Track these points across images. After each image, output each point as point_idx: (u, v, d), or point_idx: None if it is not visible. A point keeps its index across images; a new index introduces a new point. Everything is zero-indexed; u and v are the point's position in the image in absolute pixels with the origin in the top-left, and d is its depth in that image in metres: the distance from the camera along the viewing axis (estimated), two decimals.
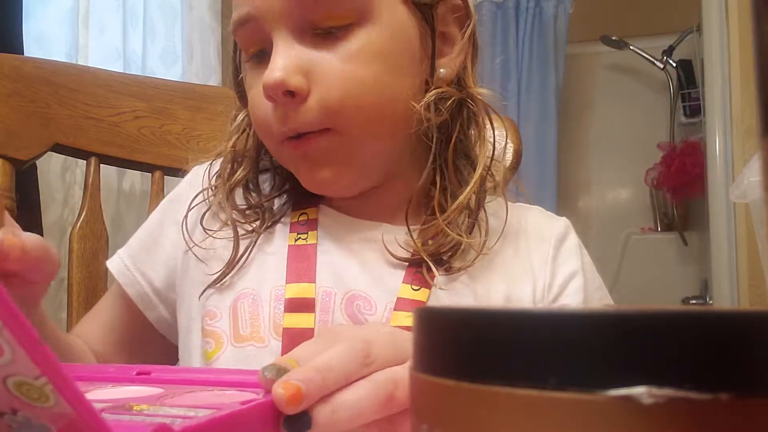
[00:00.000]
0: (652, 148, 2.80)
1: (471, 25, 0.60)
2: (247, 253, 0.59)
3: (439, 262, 0.56)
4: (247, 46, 0.57)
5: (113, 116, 0.83)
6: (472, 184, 0.57)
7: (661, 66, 2.81)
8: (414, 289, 0.56)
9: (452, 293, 0.57)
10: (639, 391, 0.15)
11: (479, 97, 0.60)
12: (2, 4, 1.10)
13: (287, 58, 0.52)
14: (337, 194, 0.59)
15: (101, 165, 0.82)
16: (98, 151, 0.82)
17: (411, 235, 0.57)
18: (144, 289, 0.64)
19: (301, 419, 0.30)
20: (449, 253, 0.57)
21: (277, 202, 0.62)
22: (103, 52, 1.41)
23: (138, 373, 0.37)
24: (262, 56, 0.56)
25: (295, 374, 0.31)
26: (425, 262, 0.56)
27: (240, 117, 0.64)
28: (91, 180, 0.81)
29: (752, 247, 1.73)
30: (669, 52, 2.79)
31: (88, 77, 0.84)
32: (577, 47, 2.82)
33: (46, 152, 0.79)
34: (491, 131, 0.61)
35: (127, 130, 0.84)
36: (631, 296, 2.62)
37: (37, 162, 0.85)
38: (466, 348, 0.18)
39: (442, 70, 0.58)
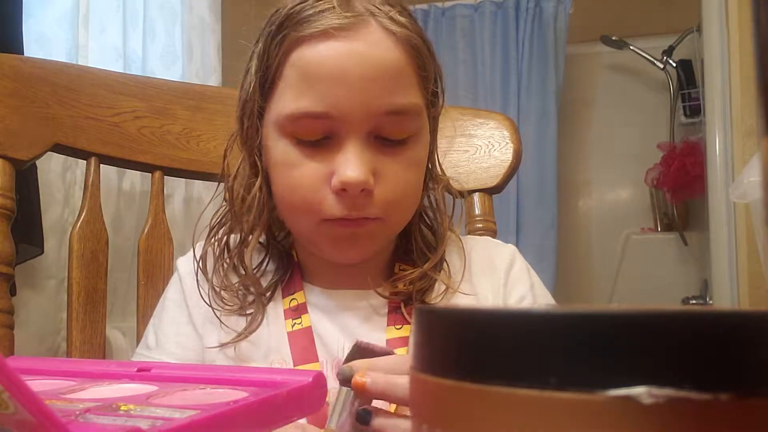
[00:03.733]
0: (652, 148, 2.79)
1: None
2: (255, 328, 0.66)
3: (412, 300, 0.67)
4: (305, 134, 0.61)
5: (113, 116, 0.83)
6: (438, 252, 0.68)
7: (661, 66, 2.81)
8: (397, 329, 0.65)
9: None
10: (639, 391, 0.15)
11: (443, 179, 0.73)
12: (2, 4, 1.10)
13: (364, 162, 0.59)
14: (353, 262, 0.66)
15: (101, 165, 0.82)
16: (98, 151, 0.82)
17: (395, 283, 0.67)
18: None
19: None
20: (421, 294, 0.67)
21: (263, 283, 0.68)
22: (103, 52, 1.41)
23: (139, 370, 0.37)
24: (319, 143, 0.61)
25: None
26: (401, 305, 0.66)
27: (257, 185, 0.66)
28: (91, 180, 0.81)
29: (752, 247, 1.73)
30: (669, 52, 2.79)
31: (88, 77, 0.84)
32: (577, 47, 2.82)
33: (46, 152, 0.79)
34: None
35: (127, 130, 0.84)
36: (631, 296, 2.62)
37: (37, 162, 0.85)
38: (466, 348, 0.18)
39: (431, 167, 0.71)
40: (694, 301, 2.49)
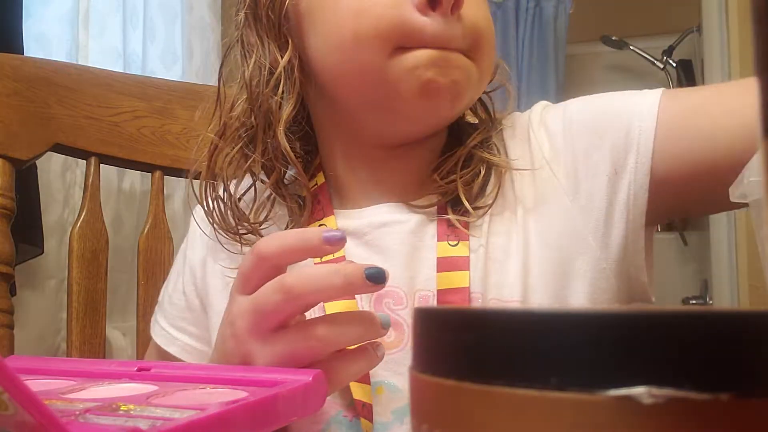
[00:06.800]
0: None
1: None
2: None
3: (458, 203, 0.55)
4: None
5: (113, 116, 0.83)
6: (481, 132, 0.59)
7: (661, 66, 2.81)
8: (452, 245, 0.54)
9: (493, 239, 0.54)
10: (639, 391, 0.15)
11: None
12: (2, 4, 1.10)
13: None
14: (443, 112, 0.54)
15: (101, 165, 0.82)
16: (98, 151, 0.82)
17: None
18: (188, 342, 0.63)
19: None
20: (470, 189, 0.56)
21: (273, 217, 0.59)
22: (103, 52, 1.41)
23: (139, 369, 0.37)
24: None
25: None
26: (450, 209, 0.55)
27: (288, 54, 0.55)
28: (91, 180, 0.81)
29: (752, 247, 1.72)
30: (669, 52, 2.79)
31: (88, 77, 0.84)
32: (577, 47, 2.82)
33: (46, 152, 0.79)
34: None
35: (127, 130, 0.84)
36: None
37: (37, 162, 0.85)
38: (466, 348, 0.18)
39: None
40: (694, 301, 2.49)
